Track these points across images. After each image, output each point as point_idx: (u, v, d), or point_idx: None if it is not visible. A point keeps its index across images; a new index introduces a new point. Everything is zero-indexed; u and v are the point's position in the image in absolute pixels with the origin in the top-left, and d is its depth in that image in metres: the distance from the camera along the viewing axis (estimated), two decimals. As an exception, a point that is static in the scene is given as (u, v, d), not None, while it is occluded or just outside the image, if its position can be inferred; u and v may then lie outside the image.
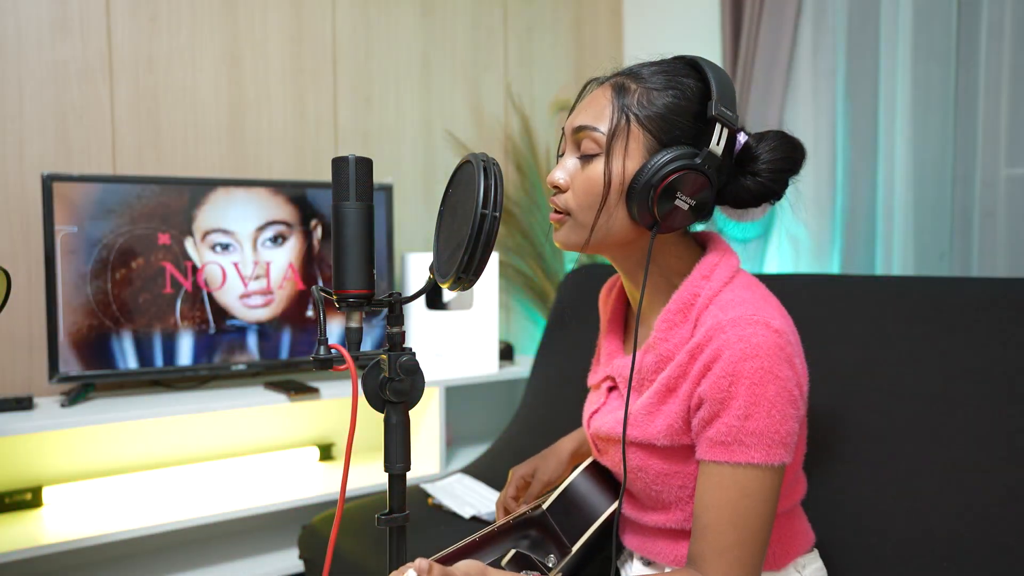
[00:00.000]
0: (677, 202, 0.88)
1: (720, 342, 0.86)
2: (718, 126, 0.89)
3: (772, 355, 0.85)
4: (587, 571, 1.06)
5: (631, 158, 0.90)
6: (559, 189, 0.94)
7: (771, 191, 0.95)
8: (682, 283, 0.94)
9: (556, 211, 0.95)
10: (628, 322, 1.10)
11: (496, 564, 0.97)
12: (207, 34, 2.05)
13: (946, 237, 1.82)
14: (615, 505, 1.05)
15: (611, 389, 1.06)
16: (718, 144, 0.89)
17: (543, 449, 1.26)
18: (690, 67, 0.94)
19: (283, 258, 1.98)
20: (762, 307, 0.89)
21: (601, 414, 1.05)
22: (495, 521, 1.06)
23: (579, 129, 0.93)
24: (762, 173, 0.94)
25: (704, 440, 0.88)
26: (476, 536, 0.98)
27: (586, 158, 0.92)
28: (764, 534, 0.86)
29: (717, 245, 0.98)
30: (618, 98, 0.91)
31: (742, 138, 0.94)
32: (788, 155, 0.95)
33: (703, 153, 0.88)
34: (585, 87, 0.99)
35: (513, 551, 0.97)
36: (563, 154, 0.97)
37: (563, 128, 0.98)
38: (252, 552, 1.97)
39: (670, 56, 0.97)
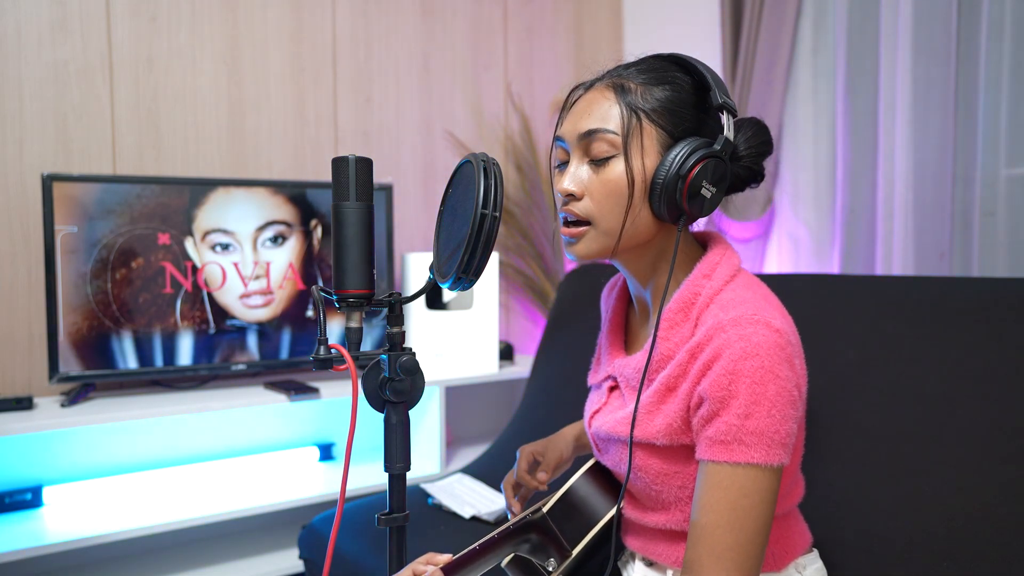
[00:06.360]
0: (703, 191, 0.89)
1: (721, 341, 0.86)
2: (725, 113, 0.91)
3: (772, 355, 0.85)
4: (588, 571, 1.06)
5: (648, 155, 0.90)
6: (573, 197, 0.92)
7: (754, 174, 0.98)
8: (683, 282, 0.94)
9: (573, 222, 0.93)
10: (629, 321, 1.10)
11: (496, 568, 0.97)
12: (207, 34, 2.05)
13: (946, 237, 1.82)
14: (615, 508, 1.05)
15: (612, 389, 1.06)
16: (729, 131, 0.91)
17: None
18: (671, 63, 0.95)
19: (283, 258, 1.98)
20: (763, 307, 0.88)
21: (602, 414, 1.05)
22: (497, 524, 1.06)
23: (588, 134, 0.91)
24: (745, 159, 0.96)
25: (703, 439, 0.88)
26: (477, 545, 0.97)
27: (599, 162, 0.91)
28: (762, 538, 0.85)
29: (718, 244, 0.98)
30: (621, 97, 0.91)
31: None
32: (765, 139, 0.98)
33: (720, 139, 0.90)
34: (571, 94, 0.98)
35: (512, 555, 0.97)
36: (561, 165, 0.96)
37: (556, 138, 0.96)
38: (252, 552, 1.97)
39: (646, 56, 0.97)
